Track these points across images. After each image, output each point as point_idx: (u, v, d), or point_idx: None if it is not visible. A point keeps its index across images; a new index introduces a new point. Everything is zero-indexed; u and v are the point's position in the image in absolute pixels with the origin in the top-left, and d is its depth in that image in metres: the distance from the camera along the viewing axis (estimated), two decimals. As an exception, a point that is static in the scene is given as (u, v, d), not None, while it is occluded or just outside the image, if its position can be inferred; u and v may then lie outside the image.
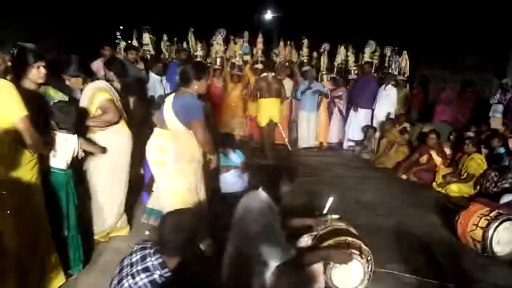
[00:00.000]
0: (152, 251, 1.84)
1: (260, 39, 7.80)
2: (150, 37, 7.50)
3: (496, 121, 6.90)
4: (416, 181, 5.51)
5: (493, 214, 3.35)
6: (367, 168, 6.26)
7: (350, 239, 2.60)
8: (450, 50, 13.38)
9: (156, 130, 2.99)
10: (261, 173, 3.21)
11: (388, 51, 7.96)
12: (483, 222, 3.33)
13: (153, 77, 6.07)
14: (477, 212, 3.43)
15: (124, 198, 3.31)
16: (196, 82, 2.88)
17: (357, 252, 2.54)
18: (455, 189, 4.86)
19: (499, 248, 3.26)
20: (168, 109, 2.85)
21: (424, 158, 5.63)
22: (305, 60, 8.03)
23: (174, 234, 1.78)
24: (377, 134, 7.05)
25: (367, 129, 7.11)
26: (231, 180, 4.51)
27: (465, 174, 4.89)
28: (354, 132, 7.39)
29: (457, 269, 3.14)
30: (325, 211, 2.96)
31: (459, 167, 5.08)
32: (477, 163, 4.83)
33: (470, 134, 5.68)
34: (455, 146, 5.78)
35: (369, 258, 2.59)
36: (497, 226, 3.23)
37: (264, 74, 6.19)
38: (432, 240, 3.63)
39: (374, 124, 7.25)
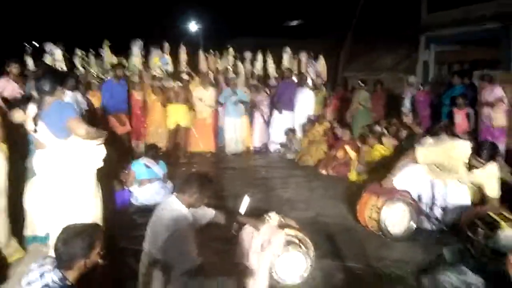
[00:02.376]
0: (50, 267, 1.80)
1: (182, 50, 7.82)
2: (63, 52, 7.19)
3: (406, 115, 7.57)
4: (335, 175, 5.87)
5: (380, 204, 3.59)
6: (291, 168, 6.54)
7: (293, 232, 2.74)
8: (367, 52, 14.50)
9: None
10: (178, 181, 3.25)
11: (304, 57, 8.41)
12: (374, 214, 3.61)
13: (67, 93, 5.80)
14: (368, 204, 3.71)
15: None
16: (59, 89, 2.88)
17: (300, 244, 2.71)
18: (364, 177, 5.27)
19: (395, 229, 3.57)
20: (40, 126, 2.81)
21: (340, 153, 6.03)
22: (229, 68, 8.20)
23: (67, 247, 1.76)
24: (299, 135, 7.39)
25: (289, 131, 7.42)
26: (154, 191, 4.52)
27: (371, 164, 5.33)
28: (278, 134, 7.66)
29: (364, 250, 3.41)
30: (242, 211, 3.06)
31: (367, 158, 5.51)
32: (380, 153, 5.29)
33: (378, 128, 6.17)
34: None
35: (310, 248, 2.76)
36: (385, 212, 3.53)
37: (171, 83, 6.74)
38: (344, 227, 3.92)
39: (296, 126, 7.58)
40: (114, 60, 7.40)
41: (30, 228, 3.24)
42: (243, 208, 3.05)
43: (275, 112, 7.68)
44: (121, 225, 3.74)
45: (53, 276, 1.76)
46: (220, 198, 4.57)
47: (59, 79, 2.95)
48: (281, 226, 2.72)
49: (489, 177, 3.37)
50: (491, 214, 3.00)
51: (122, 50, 7.75)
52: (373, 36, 13.88)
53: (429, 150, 3.61)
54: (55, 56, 7.22)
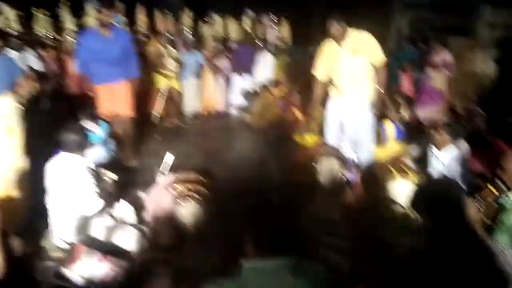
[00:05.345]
0: None
1: (140, 10, 7.71)
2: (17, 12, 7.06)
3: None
4: (283, 135, 6.03)
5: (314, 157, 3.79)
6: (244, 130, 6.68)
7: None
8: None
9: None
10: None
11: (266, 20, 8.36)
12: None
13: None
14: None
15: None
16: None
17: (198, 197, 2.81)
18: (308, 139, 5.43)
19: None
20: None
21: (289, 114, 6.18)
22: (187, 30, 8.12)
23: None
24: (257, 98, 7.48)
25: (247, 94, 7.50)
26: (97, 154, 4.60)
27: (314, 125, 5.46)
28: (238, 98, 7.75)
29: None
30: (166, 170, 3.18)
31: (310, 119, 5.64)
32: (321, 113, 5.39)
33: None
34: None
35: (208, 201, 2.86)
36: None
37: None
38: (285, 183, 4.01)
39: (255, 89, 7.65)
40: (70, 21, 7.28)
41: None
42: (165, 167, 3.17)
43: (235, 76, 7.75)
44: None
45: None
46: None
47: None
48: (175, 182, 2.86)
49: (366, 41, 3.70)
50: (389, 166, 3.20)
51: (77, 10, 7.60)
52: (346, 1, 13.69)
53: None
54: (8, 16, 7.07)
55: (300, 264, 1.28)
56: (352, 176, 3.93)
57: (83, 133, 2.94)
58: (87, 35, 4.59)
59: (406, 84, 6.19)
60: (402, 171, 3.12)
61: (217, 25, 8.28)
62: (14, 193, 3.01)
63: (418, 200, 1.75)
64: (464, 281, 1.49)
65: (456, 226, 1.60)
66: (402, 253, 1.76)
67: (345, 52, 3.83)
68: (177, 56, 6.96)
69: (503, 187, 2.21)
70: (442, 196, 1.61)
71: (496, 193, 2.26)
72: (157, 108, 6.68)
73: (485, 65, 6.41)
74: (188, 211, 2.76)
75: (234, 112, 7.77)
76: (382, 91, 3.92)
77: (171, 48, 6.93)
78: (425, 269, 1.52)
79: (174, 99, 7.16)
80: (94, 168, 2.93)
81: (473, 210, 2.21)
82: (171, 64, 6.86)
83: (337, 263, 1.47)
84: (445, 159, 3.16)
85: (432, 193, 1.69)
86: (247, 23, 8.07)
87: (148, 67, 6.73)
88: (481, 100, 6.10)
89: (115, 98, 4.50)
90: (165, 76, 6.80)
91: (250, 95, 7.48)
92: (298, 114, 6.06)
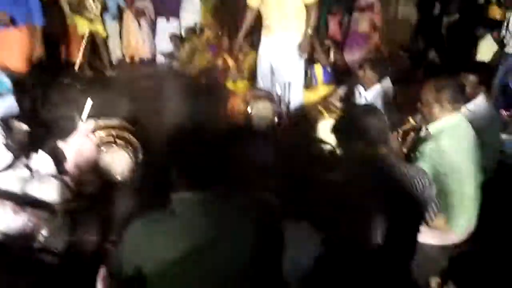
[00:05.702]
0: None
1: None
2: None
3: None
4: (213, 83, 5.88)
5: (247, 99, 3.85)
6: (172, 78, 6.38)
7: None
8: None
9: None
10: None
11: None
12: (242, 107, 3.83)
13: None
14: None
15: None
16: None
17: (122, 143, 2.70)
18: (240, 85, 5.36)
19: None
20: None
21: (220, 61, 5.99)
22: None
23: None
24: (185, 43, 7.14)
25: (174, 38, 7.11)
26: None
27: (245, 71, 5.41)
28: (164, 43, 7.33)
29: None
30: (84, 116, 2.98)
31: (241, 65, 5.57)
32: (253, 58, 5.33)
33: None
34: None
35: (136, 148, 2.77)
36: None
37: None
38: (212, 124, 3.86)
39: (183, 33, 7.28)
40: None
41: None
42: (84, 113, 2.98)
43: (160, 19, 7.28)
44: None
45: None
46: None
47: None
48: (96, 128, 2.71)
49: None
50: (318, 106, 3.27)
51: None
52: None
53: None
54: None
55: (230, 194, 1.26)
56: (282, 117, 4.00)
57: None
58: None
59: (333, 27, 6.25)
60: (331, 111, 3.21)
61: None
62: None
63: (340, 124, 1.76)
64: (383, 208, 1.57)
65: (375, 152, 1.63)
66: (328, 187, 1.79)
67: None
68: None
69: (422, 119, 2.35)
70: (364, 121, 1.61)
71: (415, 124, 2.42)
72: (79, 54, 6.07)
73: (407, 8, 6.65)
74: (113, 158, 2.62)
75: (160, 58, 7.38)
76: (312, 34, 3.90)
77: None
78: (348, 200, 1.57)
79: (96, 45, 6.59)
80: (1, 119, 2.66)
81: (395, 141, 2.36)
82: (92, 5, 6.09)
83: (267, 199, 1.46)
84: (370, 96, 3.30)
85: (355, 117, 1.69)
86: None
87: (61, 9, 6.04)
88: (404, 42, 6.43)
89: (7, 48, 3.59)
90: (88, 19, 6.09)
91: (177, 40, 7.11)
92: (228, 59, 5.90)
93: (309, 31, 3.79)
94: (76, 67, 6.00)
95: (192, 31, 6.92)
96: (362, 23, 5.77)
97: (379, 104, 3.15)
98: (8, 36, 3.57)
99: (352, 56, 5.90)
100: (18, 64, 3.67)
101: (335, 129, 1.76)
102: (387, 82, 3.53)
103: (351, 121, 1.69)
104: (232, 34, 6.78)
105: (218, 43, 6.67)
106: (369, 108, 1.86)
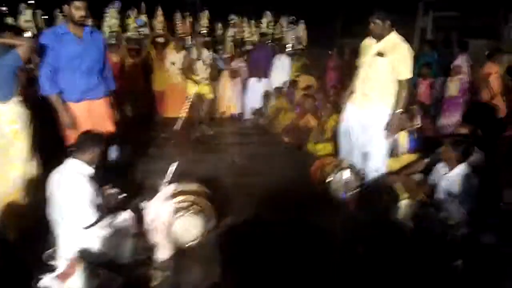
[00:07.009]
0: None
1: (159, 12, 7.76)
2: (34, 13, 7.20)
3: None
4: (295, 143, 5.94)
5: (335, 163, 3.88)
6: (258, 135, 6.63)
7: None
8: (360, 19, 14.05)
9: None
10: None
11: (284, 22, 8.27)
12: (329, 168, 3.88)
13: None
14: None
15: None
16: None
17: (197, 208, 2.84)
18: (321, 148, 5.32)
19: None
20: None
21: (303, 121, 6.07)
22: (204, 32, 8.12)
23: None
24: (272, 101, 7.42)
25: (264, 96, 7.43)
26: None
27: (327, 133, 5.36)
28: (254, 101, 7.69)
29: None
30: (168, 177, 3.17)
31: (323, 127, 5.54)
32: (336, 121, 5.28)
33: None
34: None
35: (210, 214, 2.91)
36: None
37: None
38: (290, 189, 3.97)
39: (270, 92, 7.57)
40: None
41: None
42: (168, 176, 3.15)
43: (252, 79, 7.70)
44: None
45: None
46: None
47: None
48: (174, 195, 2.85)
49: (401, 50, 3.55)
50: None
51: (97, 12, 7.70)
52: (369, 1, 13.44)
53: None
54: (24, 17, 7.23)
55: None
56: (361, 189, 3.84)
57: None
58: (55, 36, 3.32)
59: (423, 90, 5.98)
60: (411, 190, 3.00)
61: (237, 27, 8.24)
62: (21, 199, 3.06)
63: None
64: None
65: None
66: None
67: (377, 48, 3.67)
68: (210, 61, 6.32)
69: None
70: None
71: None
72: (179, 112, 6.46)
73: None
74: (186, 225, 2.76)
75: (248, 114, 7.73)
76: (402, 110, 3.69)
77: (206, 52, 6.30)
78: None
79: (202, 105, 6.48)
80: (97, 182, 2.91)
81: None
82: (203, 69, 6.25)
83: None
84: (453, 178, 3.01)
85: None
86: (265, 24, 8.00)
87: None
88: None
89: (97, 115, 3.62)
90: (195, 82, 6.23)
91: (268, 98, 7.41)
92: (311, 120, 5.95)
93: (400, 108, 3.64)
94: (178, 126, 6.36)
95: (280, 90, 7.18)
96: (450, 86, 5.44)
97: (455, 189, 2.85)
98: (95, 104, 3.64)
99: (447, 122, 5.55)
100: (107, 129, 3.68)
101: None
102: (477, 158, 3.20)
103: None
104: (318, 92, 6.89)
105: (303, 103, 6.80)
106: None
